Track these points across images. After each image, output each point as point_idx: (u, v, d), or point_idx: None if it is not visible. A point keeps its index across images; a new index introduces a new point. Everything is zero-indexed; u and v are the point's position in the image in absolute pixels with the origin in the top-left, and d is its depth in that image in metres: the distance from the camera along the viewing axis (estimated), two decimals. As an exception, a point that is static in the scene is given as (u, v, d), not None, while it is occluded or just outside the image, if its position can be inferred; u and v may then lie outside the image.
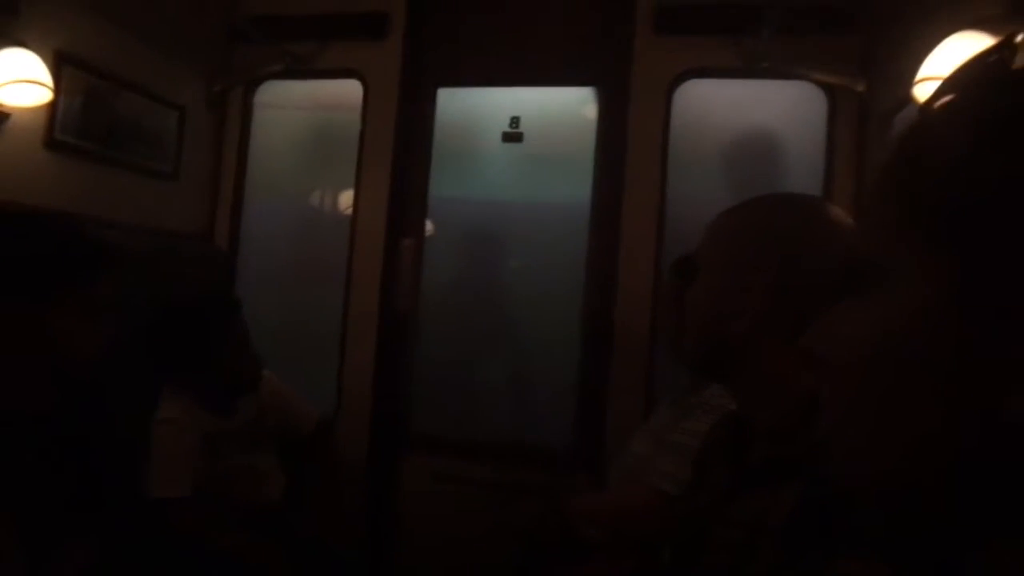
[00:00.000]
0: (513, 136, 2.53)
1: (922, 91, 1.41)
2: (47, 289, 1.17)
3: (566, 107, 2.60)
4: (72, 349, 1.20)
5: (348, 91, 2.63)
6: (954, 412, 0.37)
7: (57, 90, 1.96)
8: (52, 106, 1.98)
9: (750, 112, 2.38)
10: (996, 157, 0.36)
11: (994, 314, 0.35)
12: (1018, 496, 0.36)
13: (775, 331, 0.87)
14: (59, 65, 2.01)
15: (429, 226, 2.64)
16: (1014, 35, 0.41)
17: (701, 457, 1.08)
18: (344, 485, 2.37)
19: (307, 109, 2.82)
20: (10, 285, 1.14)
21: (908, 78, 1.54)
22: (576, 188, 2.50)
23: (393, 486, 2.55)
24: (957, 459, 0.37)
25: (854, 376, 0.42)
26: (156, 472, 1.83)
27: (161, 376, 1.93)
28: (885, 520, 0.53)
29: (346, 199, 2.67)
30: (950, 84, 0.42)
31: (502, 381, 2.57)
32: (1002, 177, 0.35)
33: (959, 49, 1.32)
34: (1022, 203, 0.35)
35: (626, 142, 2.37)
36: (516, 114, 2.53)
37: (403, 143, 2.57)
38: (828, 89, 2.25)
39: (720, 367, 0.95)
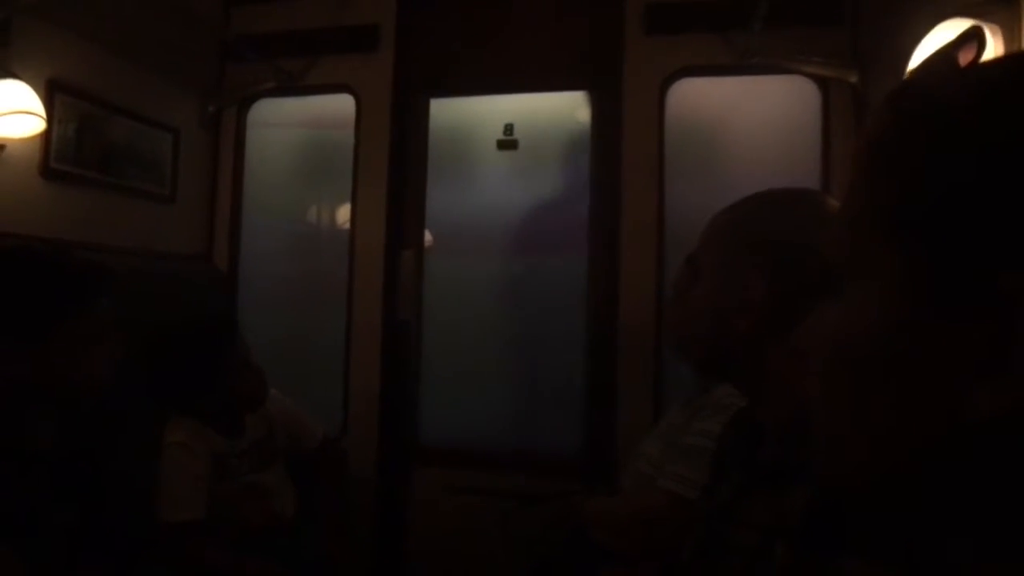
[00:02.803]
0: (508, 143, 2.53)
1: (915, 80, 1.41)
2: (48, 322, 1.17)
3: (560, 112, 2.60)
4: (75, 381, 1.20)
5: (342, 104, 2.63)
6: (918, 407, 0.37)
7: (51, 119, 1.96)
8: (46, 135, 1.98)
9: (744, 108, 2.38)
10: (956, 155, 0.36)
11: (957, 311, 0.36)
12: (987, 493, 0.37)
13: (779, 329, 0.86)
14: (52, 93, 2.02)
15: (428, 236, 2.64)
16: (977, 29, 0.41)
17: (718, 458, 1.07)
18: (354, 499, 2.37)
19: (301, 126, 2.82)
20: (10, 320, 1.15)
21: (900, 66, 1.54)
22: (574, 192, 2.50)
23: (402, 498, 2.54)
24: (922, 454, 0.38)
25: (826, 370, 0.44)
26: (167, 496, 1.82)
27: (165, 400, 1.93)
28: (890, 522, 0.53)
29: (344, 213, 2.67)
30: (913, 81, 0.42)
31: (509, 390, 2.56)
32: (962, 175, 0.36)
33: (949, 37, 1.32)
34: (981, 201, 0.35)
35: (621, 144, 2.37)
36: (510, 121, 2.53)
37: (398, 155, 2.57)
38: (821, 81, 2.25)
39: (726, 367, 0.95)
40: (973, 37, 0.33)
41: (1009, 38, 1.28)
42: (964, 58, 0.35)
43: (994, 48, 1.29)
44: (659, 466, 1.63)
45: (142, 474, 1.82)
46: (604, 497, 1.81)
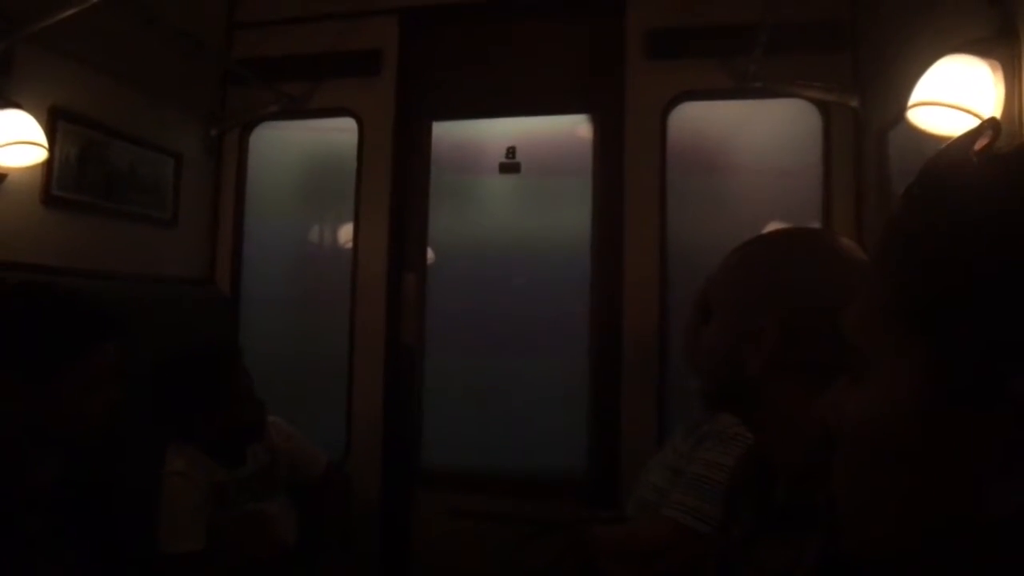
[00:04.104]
0: (510, 167, 2.54)
1: (916, 116, 1.42)
2: (54, 364, 1.17)
3: (562, 135, 2.61)
4: (77, 422, 1.20)
5: (344, 126, 2.64)
6: (935, 495, 0.38)
7: (52, 146, 1.96)
8: (48, 162, 1.97)
9: (746, 131, 2.39)
10: (968, 253, 0.37)
11: (973, 408, 0.36)
12: None
13: (790, 373, 0.86)
14: (54, 121, 2.01)
15: (431, 256, 2.64)
16: (994, 120, 0.41)
17: (730, 494, 1.07)
18: (357, 525, 2.36)
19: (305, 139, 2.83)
20: (16, 359, 1.14)
21: (902, 91, 1.55)
22: (577, 215, 2.50)
23: (406, 522, 2.53)
24: (938, 539, 0.39)
25: (848, 449, 0.45)
26: (166, 527, 1.80)
27: (166, 429, 1.91)
28: None
29: (347, 236, 2.68)
30: (932, 170, 0.42)
31: (512, 412, 2.56)
32: (980, 272, 0.36)
33: (950, 73, 1.33)
34: (993, 300, 0.35)
35: (623, 167, 2.37)
36: (512, 144, 2.53)
37: (400, 178, 2.58)
38: (822, 105, 2.25)
39: (736, 406, 0.95)
40: (989, 128, 0.34)
41: (1010, 75, 1.29)
42: (979, 147, 0.36)
43: (994, 85, 1.30)
44: (664, 494, 1.63)
45: (145, 504, 1.81)
46: (611, 526, 1.80)
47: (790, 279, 0.86)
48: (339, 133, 2.66)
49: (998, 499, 0.35)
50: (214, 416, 1.90)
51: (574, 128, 2.58)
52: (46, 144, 1.87)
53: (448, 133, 2.65)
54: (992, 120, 0.40)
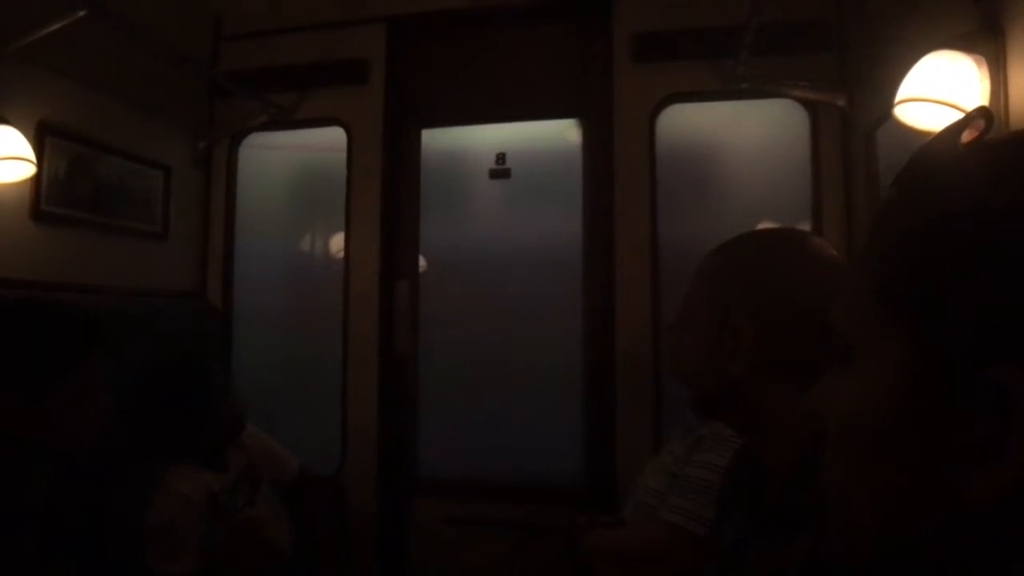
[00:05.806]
0: (500, 173, 2.54)
1: (903, 112, 1.42)
2: (44, 378, 1.16)
3: (552, 140, 2.60)
4: (69, 435, 1.19)
5: (333, 135, 2.64)
6: (918, 488, 0.38)
7: (41, 161, 1.95)
8: (37, 177, 1.97)
9: (735, 133, 2.39)
10: (951, 242, 0.37)
11: (953, 398, 0.36)
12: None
13: (775, 373, 0.85)
14: (42, 136, 2.01)
15: (423, 263, 2.63)
16: (984, 109, 0.41)
17: (722, 495, 1.07)
18: (354, 534, 2.35)
19: (293, 158, 2.83)
20: (6, 374, 1.14)
21: (888, 89, 1.55)
22: (567, 219, 2.50)
23: (403, 530, 2.52)
24: (923, 532, 0.39)
25: (834, 443, 0.45)
26: (161, 547, 1.77)
27: (158, 445, 1.90)
28: None
29: (338, 245, 2.67)
30: (917, 161, 0.42)
31: (507, 418, 2.55)
32: (957, 262, 0.36)
33: (936, 69, 1.33)
34: (976, 289, 0.35)
35: (613, 171, 2.37)
36: (502, 150, 2.53)
37: (390, 186, 2.58)
38: (809, 105, 2.26)
39: (722, 409, 0.95)
40: (979, 116, 0.33)
41: (995, 70, 1.30)
42: (969, 137, 0.36)
43: (979, 80, 1.30)
44: (661, 497, 1.62)
45: (136, 520, 1.79)
46: (607, 530, 1.79)
47: (766, 277, 0.87)
48: (330, 152, 2.65)
49: (978, 490, 0.35)
50: (200, 422, 1.90)
51: (563, 133, 2.58)
52: (34, 159, 1.87)
53: (437, 140, 2.65)
54: (982, 109, 0.40)
